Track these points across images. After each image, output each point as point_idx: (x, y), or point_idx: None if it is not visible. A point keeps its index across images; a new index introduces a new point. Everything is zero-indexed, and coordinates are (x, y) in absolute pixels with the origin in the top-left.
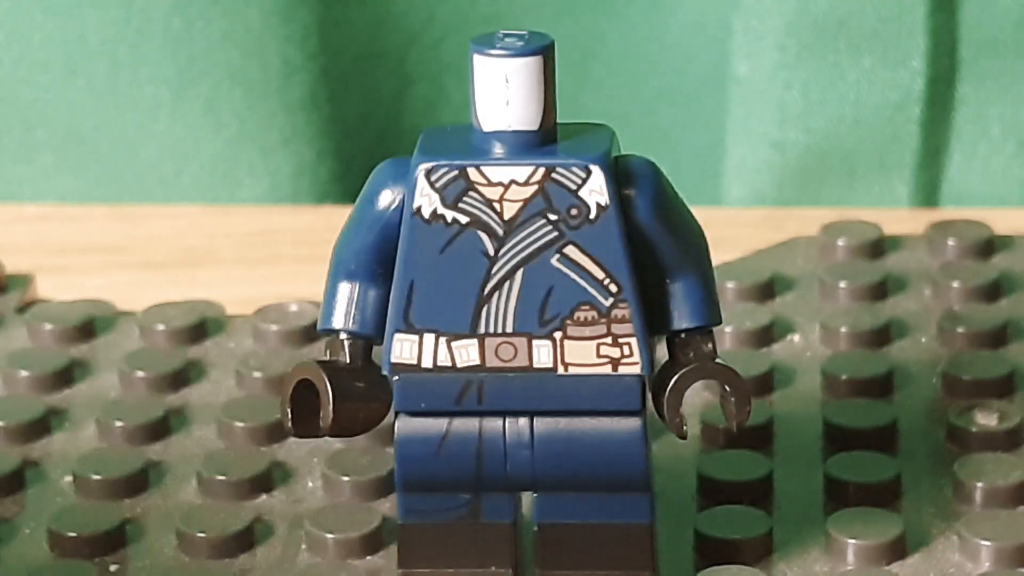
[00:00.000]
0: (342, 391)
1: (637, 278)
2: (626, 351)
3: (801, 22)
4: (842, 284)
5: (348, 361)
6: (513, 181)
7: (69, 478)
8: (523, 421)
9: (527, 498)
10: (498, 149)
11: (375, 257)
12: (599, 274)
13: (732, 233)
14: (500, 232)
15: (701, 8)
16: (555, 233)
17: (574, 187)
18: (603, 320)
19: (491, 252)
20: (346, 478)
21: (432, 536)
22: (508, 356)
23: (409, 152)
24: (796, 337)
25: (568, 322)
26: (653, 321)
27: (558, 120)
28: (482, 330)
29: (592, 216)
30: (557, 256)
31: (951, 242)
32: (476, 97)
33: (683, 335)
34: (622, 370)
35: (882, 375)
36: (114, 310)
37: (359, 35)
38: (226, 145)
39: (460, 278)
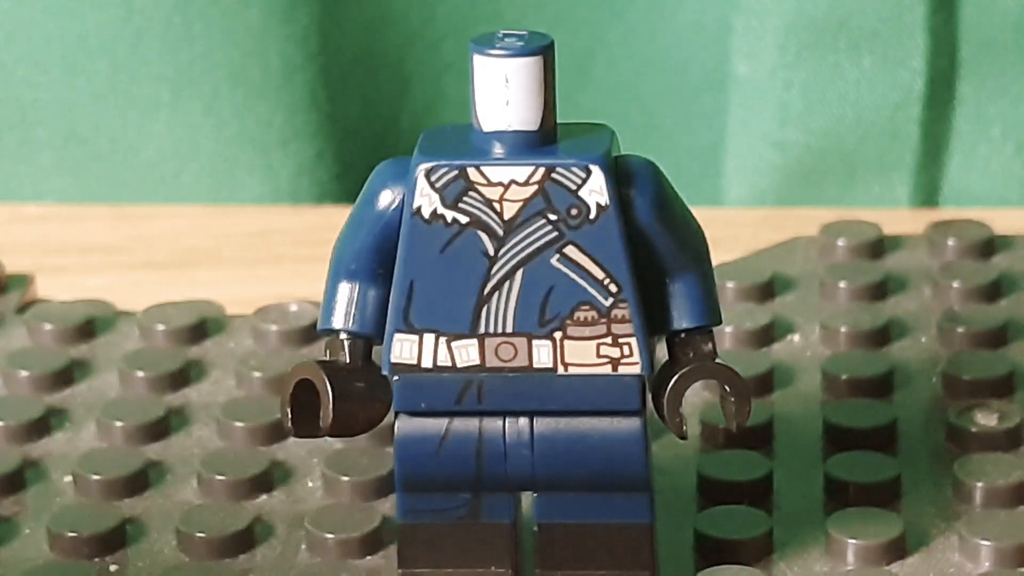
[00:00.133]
0: (342, 391)
1: (637, 278)
2: (626, 351)
3: (801, 22)
4: (842, 284)
5: (348, 361)
6: (513, 181)
7: (69, 478)
8: (523, 421)
9: (527, 498)
10: (498, 149)
11: (375, 257)
12: (599, 274)
13: (732, 233)
14: (500, 232)
15: (701, 8)
16: (555, 233)
17: (574, 187)
18: (603, 320)
19: (491, 252)
20: (346, 478)
21: (432, 536)
22: (508, 356)
23: (409, 152)
24: (796, 337)
25: (568, 322)
26: (653, 321)
27: (558, 120)
28: (482, 330)
29: (592, 216)
30: (557, 256)
31: (951, 242)
32: (476, 97)
33: (683, 335)
34: (622, 370)
35: (882, 375)
36: (114, 310)
37: (359, 35)
38: (226, 145)
39: (460, 278)
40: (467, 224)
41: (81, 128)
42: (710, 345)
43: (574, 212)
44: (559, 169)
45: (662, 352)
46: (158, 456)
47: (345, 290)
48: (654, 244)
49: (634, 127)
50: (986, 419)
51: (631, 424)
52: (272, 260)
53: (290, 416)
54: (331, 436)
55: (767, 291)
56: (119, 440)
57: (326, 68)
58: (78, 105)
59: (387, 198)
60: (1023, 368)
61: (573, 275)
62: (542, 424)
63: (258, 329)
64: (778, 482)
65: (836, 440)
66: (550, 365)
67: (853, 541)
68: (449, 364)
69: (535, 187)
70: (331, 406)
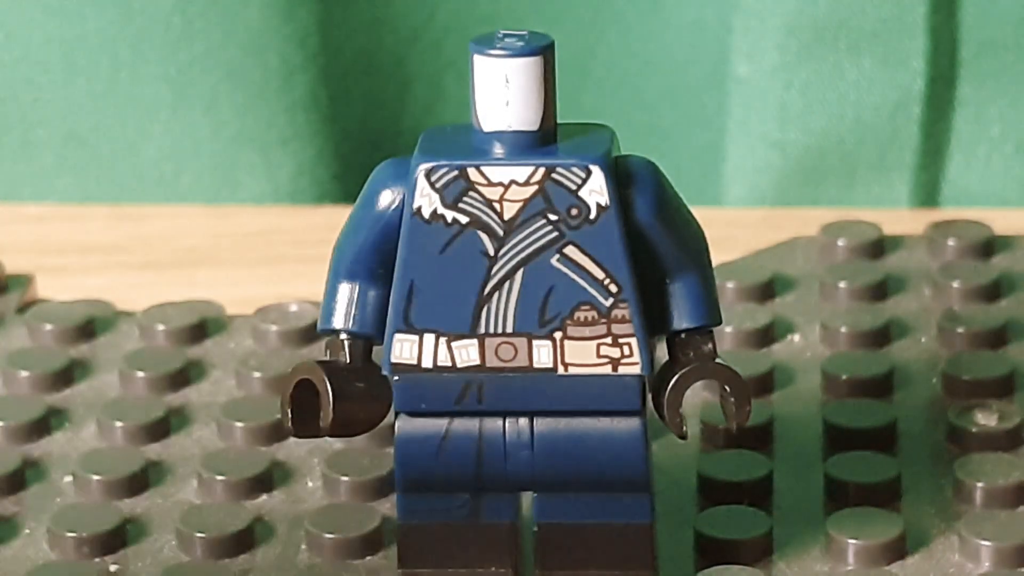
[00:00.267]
0: (342, 391)
1: (637, 278)
2: (626, 351)
3: (801, 22)
4: (842, 284)
5: (348, 361)
6: (513, 181)
7: (69, 478)
8: (523, 421)
9: (527, 498)
10: (498, 149)
11: (375, 257)
12: (599, 274)
13: (732, 233)
14: (500, 232)
15: (701, 8)
16: (555, 233)
17: (574, 187)
18: (603, 320)
19: (491, 252)
20: (346, 478)
21: (432, 536)
22: (508, 356)
23: (409, 152)
24: (796, 337)
25: (568, 322)
26: (653, 321)
27: (558, 120)
28: (482, 330)
29: (592, 216)
30: (557, 256)
31: (951, 242)
32: (476, 97)
33: (683, 335)
34: (622, 370)
35: (882, 375)
36: (114, 310)
37: (359, 35)
38: (226, 145)
39: (460, 278)
40: (467, 224)
41: (81, 128)
42: (710, 345)
43: (574, 212)
44: (559, 169)
45: (662, 352)
46: (158, 456)
47: (345, 290)
48: (654, 244)
49: (634, 127)
50: (986, 419)
51: (631, 424)
52: (272, 260)
53: (290, 416)
54: (331, 436)
55: (767, 291)
56: (119, 440)
57: (326, 68)
58: (78, 105)
59: (387, 198)
60: (1023, 368)
61: (573, 275)
62: (542, 424)
63: (258, 329)
64: (778, 482)
65: (836, 440)
66: (550, 365)
67: (853, 541)
68: (449, 364)
69: (535, 187)
70: (331, 406)
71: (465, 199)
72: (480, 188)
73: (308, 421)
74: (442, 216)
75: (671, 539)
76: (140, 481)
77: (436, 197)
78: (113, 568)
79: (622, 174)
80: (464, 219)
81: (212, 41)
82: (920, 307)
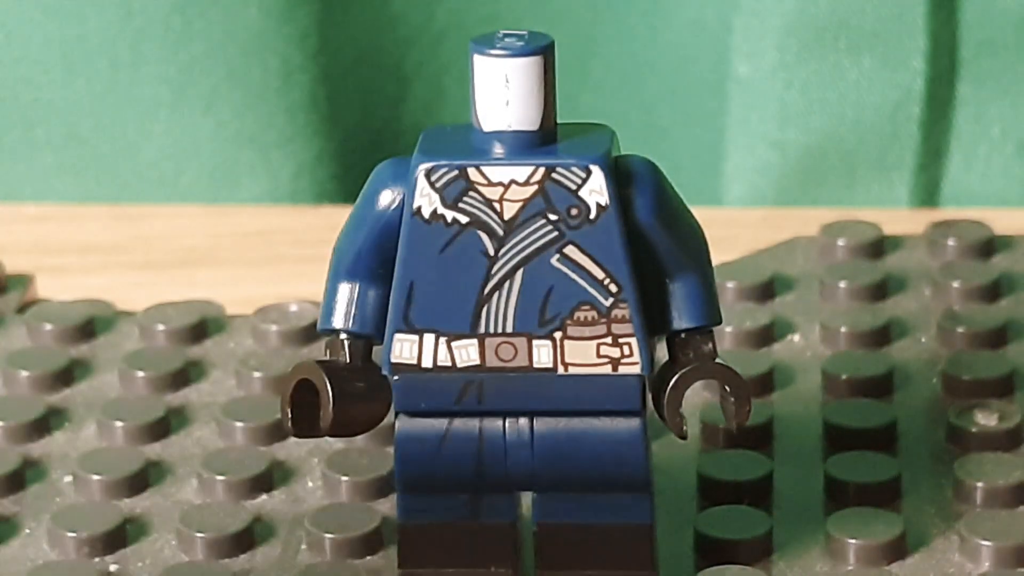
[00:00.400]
0: (342, 391)
1: (637, 278)
2: (626, 351)
3: (801, 22)
4: (842, 284)
5: (348, 361)
6: (513, 181)
7: (69, 478)
8: (523, 421)
9: (527, 498)
10: (498, 149)
11: (375, 257)
12: (599, 274)
13: (732, 233)
14: (500, 232)
15: (701, 8)
16: (555, 233)
17: (574, 187)
18: (603, 320)
19: (491, 252)
20: (346, 478)
21: (432, 536)
22: (508, 356)
23: (409, 152)
24: (796, 337)
25: (568, 322)
26: (653, 321)
27: (558, 120)
28: (482, 330)
29: (592, 216)
30: (557, 256)
31: (951, 242)
32: (476, 97)
33: (683, 335)
34: (622, 370)
35: (882, 375)
36: (114, 310)
37: (359, 35)
38: (226, 145)
39: (460, 278)
40: (467, 224)
41: (81, 128)
42: (710, 345)
43: (574, 212)
44: (559, 169)
45: (662, 352)
46: (158, 456)
47: (345, 290)
48: (654, 244)
49: (634, 127)
50: (986, 419)
51: (631, 424)
52: (272, 260)
53: (290, 416)
54: (331, 436)
55: (767, 291)
56: (119, 440)
57: (326, 68)
58: (78, 105)
59: (387, 198)
60: (1023, 368)
61: (573, 275)
62: (542, 424)
63: (258, 329)
64: (778, 482)
65: (836, 440)
66: (550, 365)
67: (853, 541)
68: (449, 364)
69: (535, 187)
70: (331, 406)
71: (465, 199)
72: (480, 188)
73: (308, 421)
74: (442, 216)
75: (671, 539)
76: (140, 481)
77: (436, 197)
78: (113, 568)
79: (622, 174)
80: (464, 219)
81: (212, 41)
82: (920, 307)
